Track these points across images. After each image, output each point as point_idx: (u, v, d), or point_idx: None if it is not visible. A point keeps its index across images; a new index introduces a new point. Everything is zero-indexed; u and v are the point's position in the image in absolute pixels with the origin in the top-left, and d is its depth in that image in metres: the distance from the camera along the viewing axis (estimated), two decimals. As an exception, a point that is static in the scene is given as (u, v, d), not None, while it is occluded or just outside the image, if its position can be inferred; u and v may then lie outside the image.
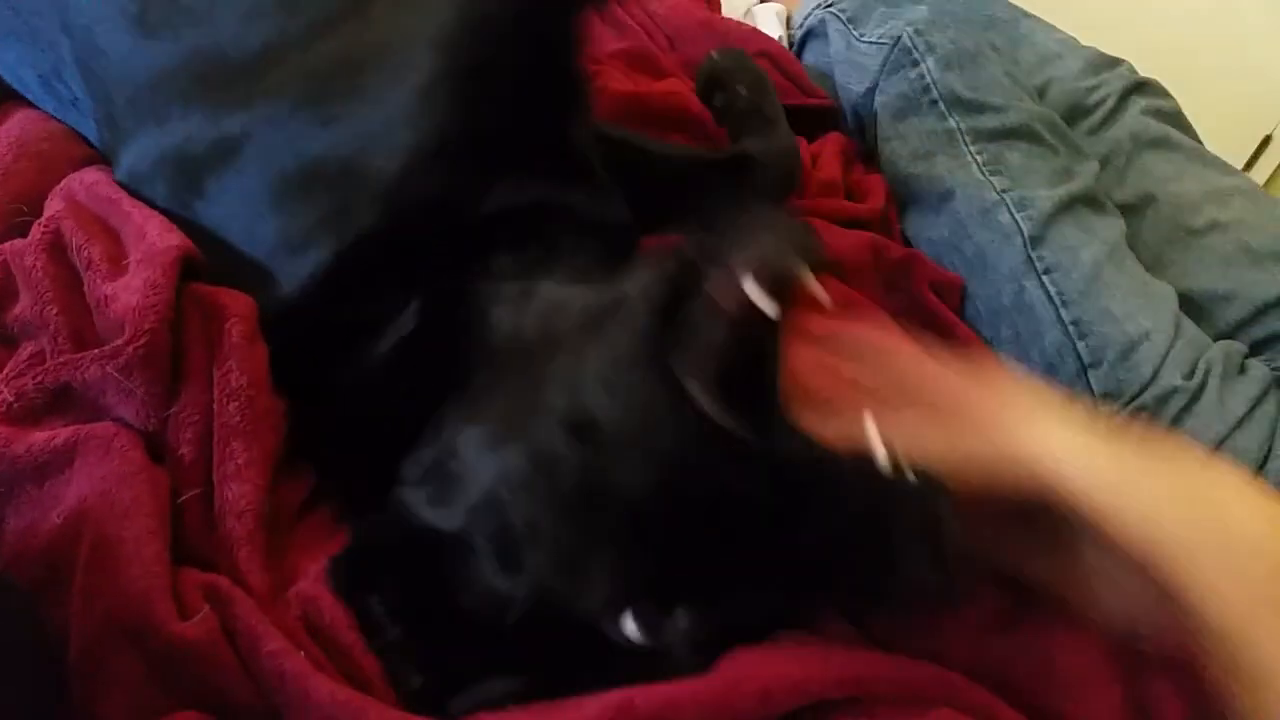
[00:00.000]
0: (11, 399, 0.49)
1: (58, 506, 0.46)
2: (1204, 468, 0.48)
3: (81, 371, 0.49)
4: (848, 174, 0.99)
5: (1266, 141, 2.42)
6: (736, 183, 0.83)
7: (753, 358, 0.46)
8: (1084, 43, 1.16)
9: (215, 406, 0.50)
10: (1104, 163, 1.01)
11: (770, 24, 1.23)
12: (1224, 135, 2.34)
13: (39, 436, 0.48)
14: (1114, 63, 1.11)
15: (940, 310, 0.84)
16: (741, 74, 0.99)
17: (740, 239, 0.45)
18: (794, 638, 0.50)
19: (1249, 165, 2.45)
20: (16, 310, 0.55)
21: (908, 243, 0.96)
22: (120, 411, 0.50)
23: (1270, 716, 0.43)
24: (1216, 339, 0.87)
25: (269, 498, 0.49)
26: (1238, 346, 0.86)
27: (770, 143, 0.90)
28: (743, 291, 0.43)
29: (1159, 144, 1.03)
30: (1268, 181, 2.45)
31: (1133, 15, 2.46)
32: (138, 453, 0.48)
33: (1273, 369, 0.86)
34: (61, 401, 0.50)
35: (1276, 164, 2.43)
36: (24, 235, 0.57)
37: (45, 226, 0.56)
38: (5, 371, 0.51)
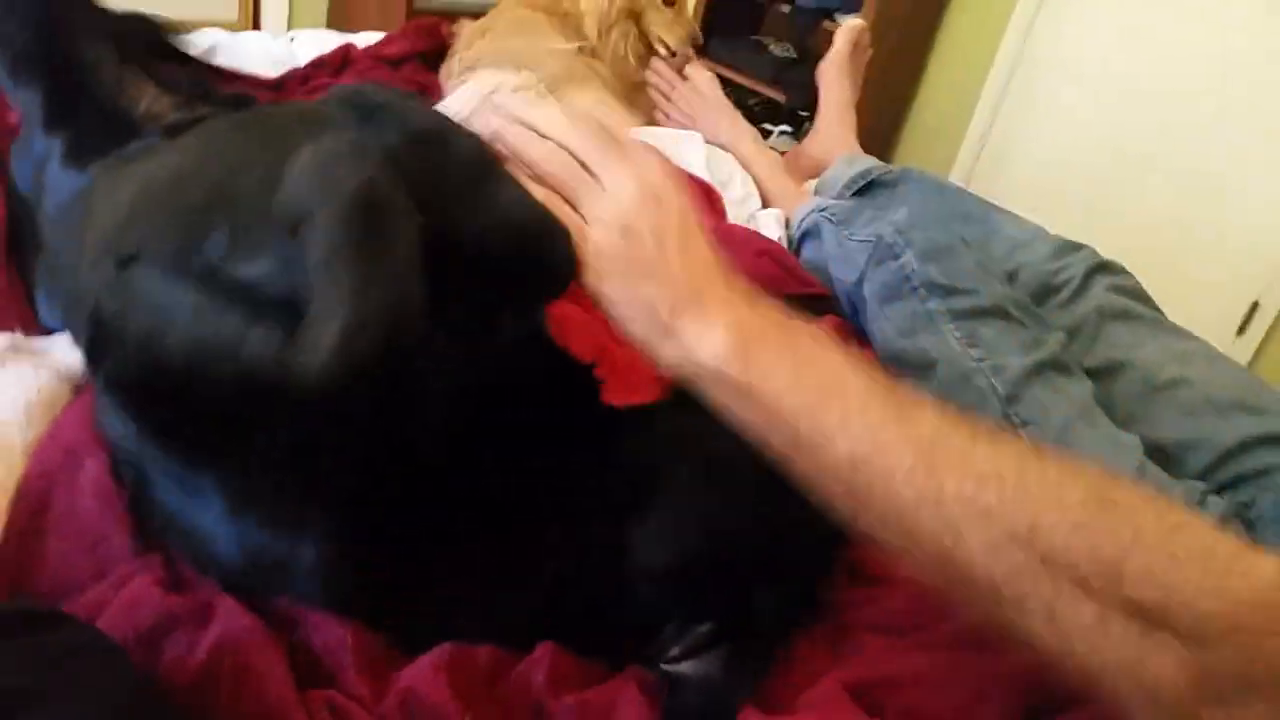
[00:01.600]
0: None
1: (204, 642, 0.57)
2: None
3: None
4: (844, 352, 1.12)
5: (1255, 307, 2.56)
6: None
7: None
8: (1081, 232, 1.32)
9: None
10: (1073, 334, 1.14)
11: (771, 227, 1.41)
12: (1215, 303, 2.51)
13: (188, 597, 0.60)
14: (1077, 247, 1.27)
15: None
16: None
17: None
18: None
19: (1241, 330, 2.59)
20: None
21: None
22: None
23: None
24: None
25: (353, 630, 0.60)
26: (1199, 485, 0.96)
27: None
28: None
29: (1122, 316, 1.17)
30: (1261, 344, 2.59)
31: (1123, 201, 2.69)
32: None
33: (1238, 504, 0.96)
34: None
35: (1267, 326, 2.56)
36: None
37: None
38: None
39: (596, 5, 1.71)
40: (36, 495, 0.65)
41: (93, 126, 0.85)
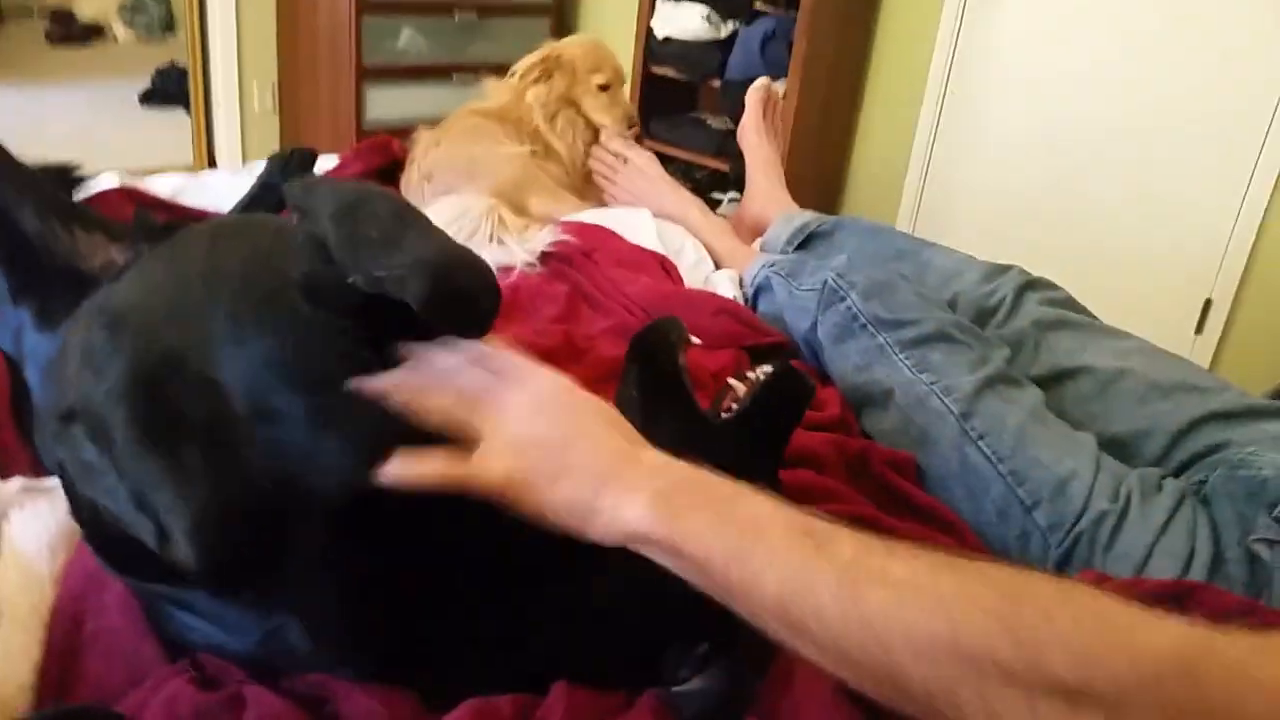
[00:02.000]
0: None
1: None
2: None
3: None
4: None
5: (1208, 305, 2.66)
6: None
7: None
8: (1035, 251, 1.40)
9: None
10: (1016, 349, 1.21)
11: (725, 287, 1.48)
12: (1171, 306, 2.60)
13: (222, 692, 0.65)
14: (1005, 269, 1.35)
15: (898, 483, 1.01)
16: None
17: None
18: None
19: (1199, 328, 2.68)
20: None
21: (868, 437, 1.14)
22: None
23: None
24: (1144, 470, 1.04)
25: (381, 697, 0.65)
26: (1155, 471, 1.03)
27: None
28: None
29: (1058, 325, 1.25)
30: (1219, 341, 2.68)
31: (1070, 216, 2.80)
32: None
33: (1194, 484, 1.02)
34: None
35: (1222, 322, 2.65)
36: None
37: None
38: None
39: (537, 96, 1.83)
40: (70, 618, 0.70)
41: (55, 291, 0.93)
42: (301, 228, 0.71)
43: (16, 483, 0.84)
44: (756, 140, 1.85)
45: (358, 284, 0.65)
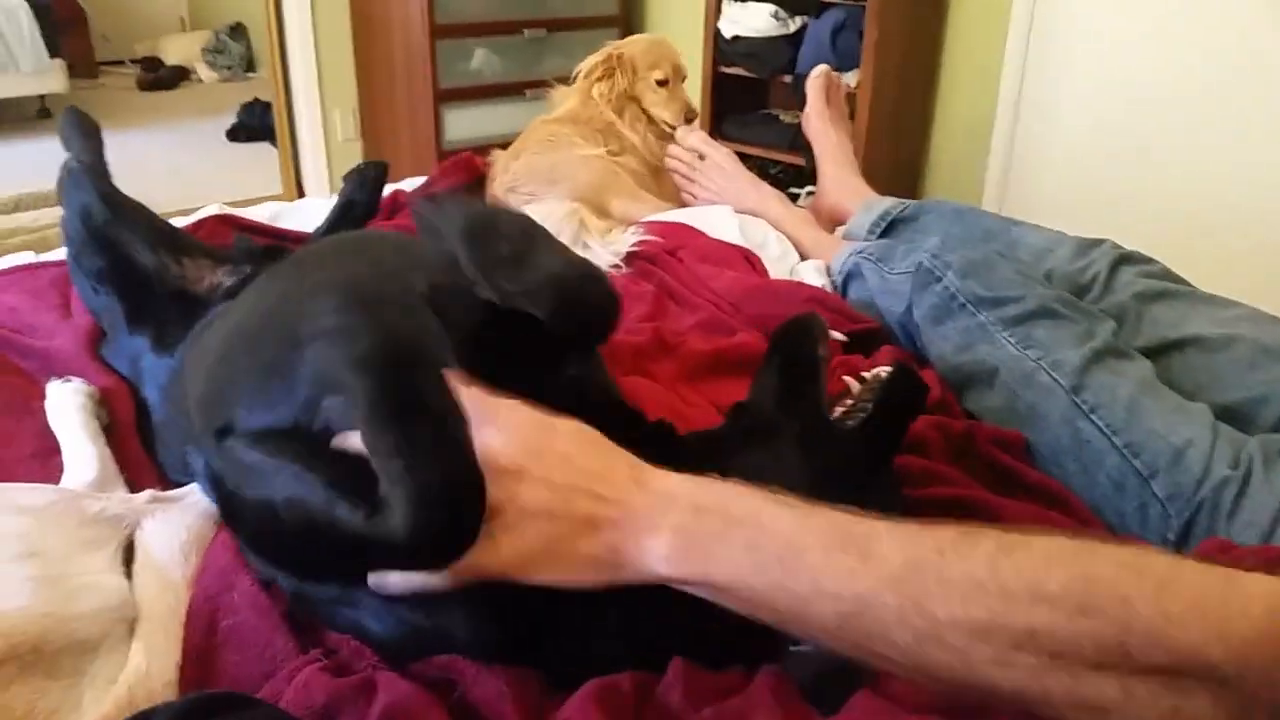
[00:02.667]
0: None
1: (373, 713, 0.63)
2: None
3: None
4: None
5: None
6: None
7: None
8: (1122, 227, 1.37)
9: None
10: (1117, 323, 1.18)
11: (813, 277, 1.47)
12: (1271, 271, 2.49)
13: (354, 677, 0.67)
14: (1097, 243, 1.32)
15: (1007, 461, 0.99)
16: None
17: None
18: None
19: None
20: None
21: (971, 417, 1.12)
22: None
23: None
24: (1264, 439, 1.01)
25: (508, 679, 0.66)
26: (1275, 437, 0.99)
27: None
28: None
29: (1159, 296, 1.21)
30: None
31: (1156, 187, 2.71)
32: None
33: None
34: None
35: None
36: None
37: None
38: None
39: (602, 93, 1.91)
40: (205, 617, 0.72)
41: (169, 317, 0.99)
42: (428, 244, 0.73)
43: (146, 494, 0.87)
44: (821, 128, 1.83)
45: (491, 299, 0.68)
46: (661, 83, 1.93)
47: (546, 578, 0.61)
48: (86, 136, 1.18)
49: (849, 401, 0.85)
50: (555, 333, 0.70)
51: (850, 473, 0.80)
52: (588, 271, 0.74)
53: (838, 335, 0.86)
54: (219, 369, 0.79)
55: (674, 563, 0.58)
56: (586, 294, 0.72)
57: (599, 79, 1.92)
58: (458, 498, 0.60)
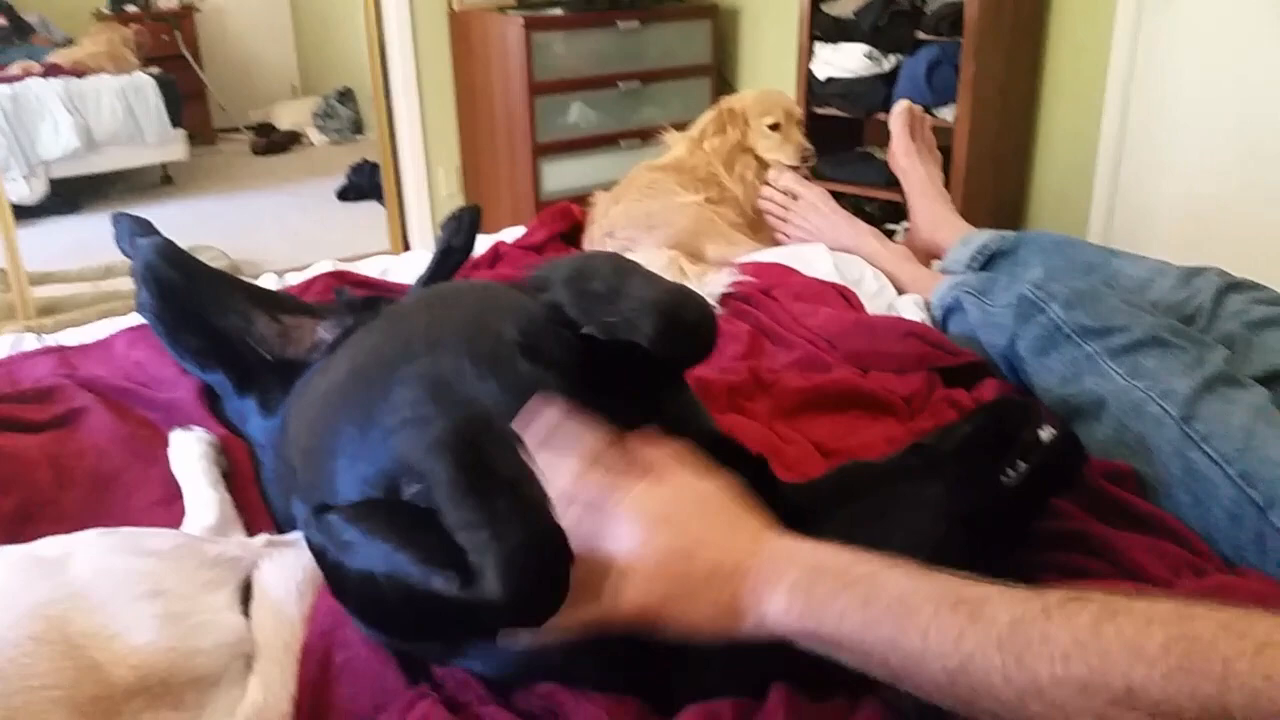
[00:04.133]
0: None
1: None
2: None
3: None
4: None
5: None
6: None
7: None
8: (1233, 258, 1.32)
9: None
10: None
11: (911, 312, 1.46)
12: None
13: (467, 713, 0.68)
14: (1201, 271, 1.28)
15: (1117, 493, 0.96)
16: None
17: None
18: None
19: None
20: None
21: (1079, 451, 1.09)
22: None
23: None
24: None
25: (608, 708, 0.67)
26: None
27: None
28: None
29: (1270, 323, 1.17)
30: None
31: (1266, 215, 2.60)
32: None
33: None
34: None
35: None
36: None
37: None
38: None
39: (714, 148, 1.95)
40: (319, 653, 0.75)
41: (271, 382, 1.04)
42: (518, 291, 0.77)
43: (262, 538, 0.91)
44: (908, 164, 1.82)
45: (594, 333, 0.72)
46: (774, 127, 1.97)
47: (670, 628, 0.64)
48: (147, 230, 1.23)
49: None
50: (657, 356, 0.72)
51: (992, 529, 0.80)
52: (680, 291, 0.76)
53: (1046, 432, 0.83)
54: (319, 424, 0.84)
55: (791, 616, 0.61)
56: (684, 312, 0.74)
57: (713, 135, 1.97)
58: (544, 557, 0.63)
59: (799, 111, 2.05)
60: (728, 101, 2.01)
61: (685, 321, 0.73)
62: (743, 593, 0.62)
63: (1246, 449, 0.95)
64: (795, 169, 1.95)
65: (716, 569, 0.63)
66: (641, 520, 0.65)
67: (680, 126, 2.06)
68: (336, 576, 0.75)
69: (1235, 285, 1.25)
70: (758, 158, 1.98)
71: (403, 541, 0.67)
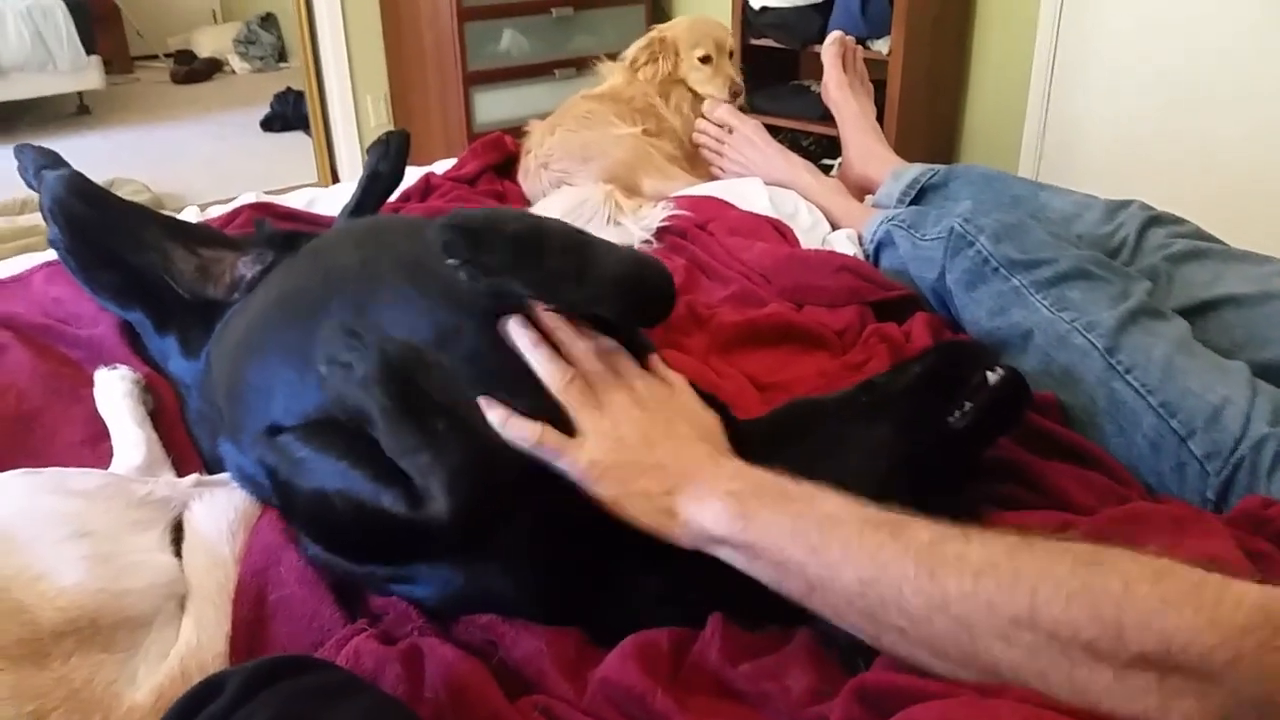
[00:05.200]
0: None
1: (423, 677, 0.65)
2: None
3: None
4: (939, 340, 1.17)
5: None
6: None
7: None
8: (1163, 188, 1.35)
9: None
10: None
11: (844, 246, 1.47)
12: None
13: (402, 644, 0.68)
14: (1125, 205, 1.31)
15: (1042, 424, 0.99)
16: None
17: None
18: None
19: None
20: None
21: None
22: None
23: None
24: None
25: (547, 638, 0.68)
26: None
27: None
28: None
29: (1190, 256, 1.20)
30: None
31: (1200, 144, 2.65)
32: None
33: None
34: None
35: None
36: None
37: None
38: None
39: (648, 78, 1.93)
40: (254, 591, 0.75)
41: (191, 322, 1.02)
42: (472, 278, 0.73)
43: (192, 478, 0.90)
44: (841, 97, 1.81)
45: (558, 310, 0.73)
46: (704, 59, 1.94)
47: (606, 496, 0.68)
48: (54, 162, 1.17)
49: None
50: (622, 325, 0.76)
51: (938, 469, 0.82)
52: (644, 263, 0.76)
53: (994, 373, 0.84)
54: (247, 365, 0.83)
55: (723, 522, 0.63)
56: (649, 285, 0.75)
57: (644, 64, 1.94)
58: (486, 476, 0.66)
59: (731, 42, 2.02)
60: (659, 30, 1.98)
61: (651, 293, 0.75)
62: (680, 494, 0.65)
63: (1167, 379, 0.99)
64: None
65: (666, 466, 0.66)
66: (640, 398, 0.72)
67: (615, 56, 2.03)
68: (287, 495, 0.76)
69: (1157, 219, 1.28)
70: (691, 89, 1.96)
71: (355, 460, 0.69)
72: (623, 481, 0.67)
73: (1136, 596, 0.49)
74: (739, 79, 1.99)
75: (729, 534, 0.62)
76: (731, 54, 2.01)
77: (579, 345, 0.74)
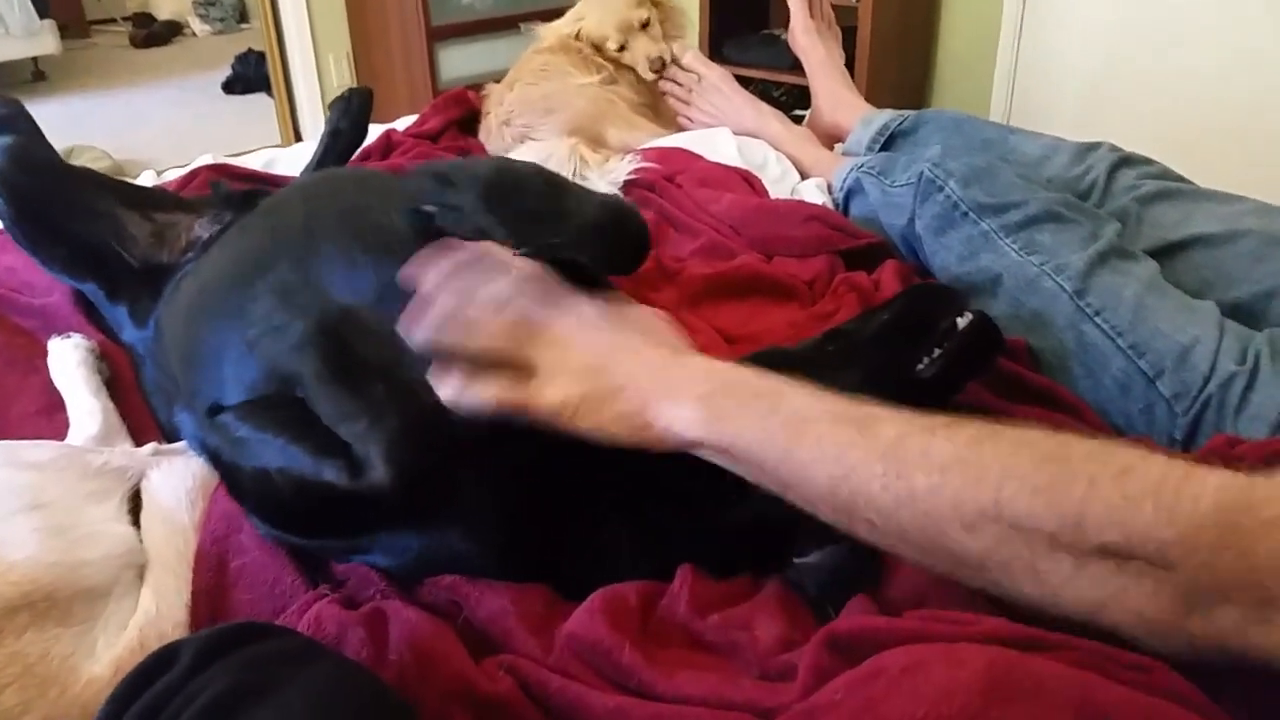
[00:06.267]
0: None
1: (386, 641, 0.64)
2: None
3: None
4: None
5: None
6: None
7: None
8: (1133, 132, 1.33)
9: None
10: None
11: (814, 195, 1.45)
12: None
13: (365, 608, 0.67)
14: (1094, 147, 1.29)
15: (1011, 368, 0.98)
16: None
17: None
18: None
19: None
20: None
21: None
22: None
23: None
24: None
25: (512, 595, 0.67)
26: None
27: None
28: None
29: (1159, 197, 1.19)
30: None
31: (1170, 90, 2.64)
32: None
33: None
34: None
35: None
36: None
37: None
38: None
39: (600, 30, 1.81)
40: (214, 559, 0.73)
41: (139, 291, 0.99)
42: (444, 216, 0.73)
43: (149, 447, 0.88)
44: (808, 43, 1.78)
45: (529, 254, 0.69)
46: (621, 49, 1.81)
47: (584, 428, 0.65)
48: (9, 118, 1.13)
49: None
50: (597, 270, 0.74)
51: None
52: (619, 207, 0.75)
53: (964, 318, 0.83)
54: (198, 330, 0.81)
55: (697, 427, 0.62)
56: (625, 229, 0.74)
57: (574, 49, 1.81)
58: (425, 439, 0.64)
59: (645, 12, 1.82)
60: (573, 23, 1.84)
61: (627, 236, 0.74)
62: (652, 406, 0.64)
63: (1137, 320, 0.98)
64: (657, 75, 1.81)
65: (633, 381, 0.65)
66: (583, 319, 0.68)
67: (555, 17, 1.90)
68: (233, 476, 0.75)
69: (1126, 160, 1.27)
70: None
71: (294, 435, 0.67)
72: (597, 411, 0.65)
73: (1099, 492, 0.51)
74: (665, 50, 1.82)
75: (705, 436, 0.62)
76: (648, 23, 1.82)
77: (490, 289, 0.68)
